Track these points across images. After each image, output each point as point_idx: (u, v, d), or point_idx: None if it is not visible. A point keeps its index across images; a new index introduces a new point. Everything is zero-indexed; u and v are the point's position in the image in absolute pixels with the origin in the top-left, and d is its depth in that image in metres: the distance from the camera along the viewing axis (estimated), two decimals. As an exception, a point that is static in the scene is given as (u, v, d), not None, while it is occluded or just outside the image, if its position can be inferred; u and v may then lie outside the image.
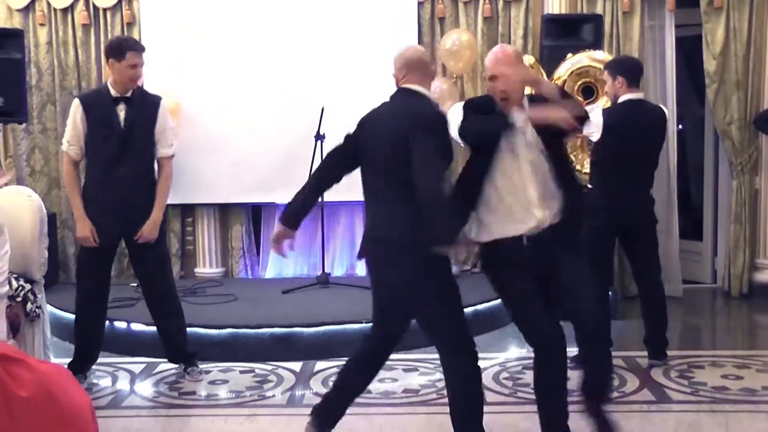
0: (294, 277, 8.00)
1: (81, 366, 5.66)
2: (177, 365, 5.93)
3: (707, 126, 8.02)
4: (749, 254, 7.68)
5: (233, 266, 8.17)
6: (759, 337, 6.92)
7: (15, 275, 5.41)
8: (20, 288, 5.50)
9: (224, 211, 8.10)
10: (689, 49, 7.83)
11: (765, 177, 7.59)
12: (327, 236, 7.72)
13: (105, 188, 5.51)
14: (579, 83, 6.78)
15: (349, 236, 8.11)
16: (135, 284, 7.24)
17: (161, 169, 5.66)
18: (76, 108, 5.54)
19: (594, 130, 5.58)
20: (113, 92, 5.51)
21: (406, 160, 3.92)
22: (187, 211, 7.95)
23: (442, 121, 4.05)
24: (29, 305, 5.55)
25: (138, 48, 5.55)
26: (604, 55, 6.93)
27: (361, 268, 8.01)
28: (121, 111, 5.50)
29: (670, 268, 7.77)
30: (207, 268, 8.10)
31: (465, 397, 4.15)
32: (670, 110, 7.60)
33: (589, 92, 6.83)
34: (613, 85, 5.70)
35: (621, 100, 5.71)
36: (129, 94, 5.52)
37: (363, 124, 4.30)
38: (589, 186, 5.85)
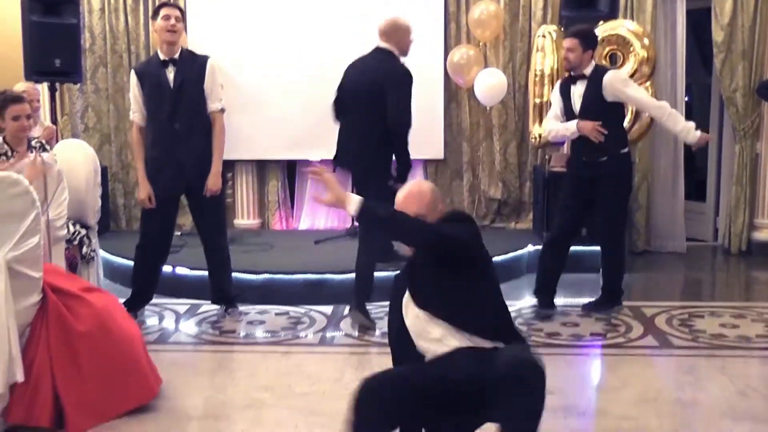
0: (325, 229, 8.08)
1: (135, 305, 5.76)
2: (219, 306, 6.04)
3: (713, 93, 7.98)
4: (749, 214, 7.66)
5: (269, 218, 8.25)
6: (755, 290, 6.92)
7: (72, 221, 5.54)
8: (77, 232, 5.63)
9: (262, 167, 8.17)
10: (698, 22, 7.77)
11: (766, 142, 7.56)
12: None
13: (163, 146, 5.58)
14: (606, 51, 6.79)
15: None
16: (179, 233, 7.36)
17: (213, 123, 5.70)
18: (131, 78, 5.70)
19: None
20: (162, 56, 5.58)
21: (379, 102, 5.36)
22: (228, 166, 7.94)
23: (409, 76, 5.41)
24: (84, 248, 5.68)
25: (167, 3, 5.78)
26: (633, 26, 6.92)
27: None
28: (170, 72, 5.57)
29: (675, 227, 7.81)
30: (245, 219, 8.18)
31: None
32: (679, 78, 7.60)
33: (613, 58, 6.84)
34: (582, 56, 5.59)
35: (592, 68, 5.64)
36: (177, 56, 5.59)
37: (347, 72, 5.74)
38: (622, 151, 5.72)
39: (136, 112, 5.66)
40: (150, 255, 5.78)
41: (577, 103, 5.68)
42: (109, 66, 8.06)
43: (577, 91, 5.68)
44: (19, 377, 4.00)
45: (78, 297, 4.30)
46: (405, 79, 5.42)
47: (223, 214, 6.13)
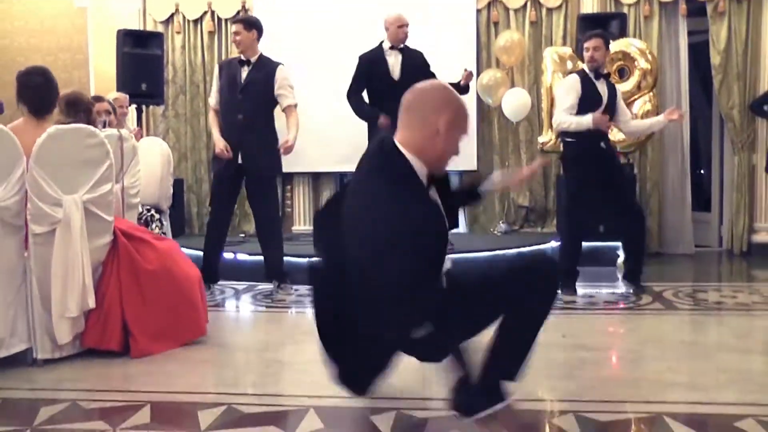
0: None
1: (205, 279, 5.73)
2: (272, 284, 5.95)
3: (714, 112, 7.81)
4: (748, 219, 7.42)
5: (323, 224, 8.18)
6: (754, 279, 6.63)
7: (147, 206, 5.58)
8: (151, 214, 5.66)
9: (316, 179, 8.13)
10: (698, 52, 7.63)
11: (760, 153, 7.36)
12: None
13: (228, 132, 5.68)
14: (615, 65, 6.70)
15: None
16: (242, 235, 7.39)
17: (288, 116, 5.79)
18: (216, 70, 6.02)
19: None
20: (243, 57, 5.75)
21: None
22: (287, 179, 8.02)
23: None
24: (156, 229, 5.69)
25: (235, 21, 6.06)
26: (640, 43, 6.83)
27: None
28: (244, 71, 5.71)
29: (684, 234, 7.59)
30: (302, 225, 8.10)
31: None
32: (684, 101, 7.48)
33: (622, 72, 6.74)
34: (605, 55, 5.50)
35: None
36: (254, 59, 5.73)
37: None
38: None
39: (212, 97, 5.90)
40: (217, 227, 5.85)
41: (604, 98, 5.48)
42: (188, 94, 8.16)
43: (601, 88, 5.49)
44: (91, 304, 3.99)
45: (145, 241, 4.30)
46: None
47: (277, 198, 6.15)
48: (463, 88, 6.17)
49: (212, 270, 5.83)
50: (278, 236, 5.94)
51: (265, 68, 5.77)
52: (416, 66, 6.25)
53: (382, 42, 6.34)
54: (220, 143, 5.65)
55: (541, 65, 7.31)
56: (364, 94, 6.43)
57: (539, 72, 7.55)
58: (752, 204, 7.45)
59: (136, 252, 4.20)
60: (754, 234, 7.46)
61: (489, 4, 7.69)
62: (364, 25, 7.49)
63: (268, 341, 4.48)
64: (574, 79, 5.53)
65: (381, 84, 6.26)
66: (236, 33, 5.72)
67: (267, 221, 5.83)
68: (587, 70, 5.51)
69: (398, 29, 6.23)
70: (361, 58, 6.39)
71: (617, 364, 3.87)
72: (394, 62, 6.27)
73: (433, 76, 6.31)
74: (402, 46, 6.29)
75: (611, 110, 5.54)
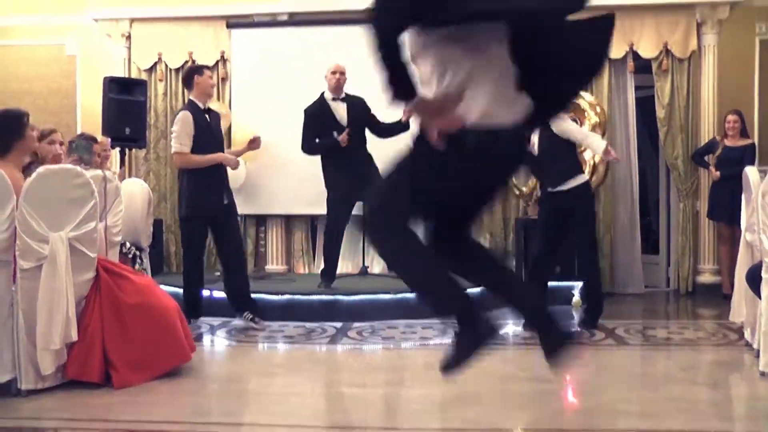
0: (341, 273, 7.89)
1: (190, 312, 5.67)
2: (244, 317, 5.89)
3: (660, 162, 7.99)
4: (693, 261, 7.58)
5: (295, 264, 8.16)
6: (698, 316, 6.73)
7: (128, 242, 5.56)
8: (132, 250, 5.63)
9: (289, 221, 8.13)
10: (645, 105, 7.83)
11: (703, 200, 7.53)
12: (366, 242, 7.69)
13: (210, 175, 5.62)
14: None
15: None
16: (218, 273, 7.35)
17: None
18: (187, 118, 5.59)
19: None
20: (201, 105, 5.72)
21: None
22: (261, 220, 8.03)
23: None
24: (137, 266, 5.67)
25: (209, 68, 6.14)
26: (591, 98, 7.03)
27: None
28: (209, 119, 5.74)
29: (635, 275, 7.70)
30: (275, 265, 8.08)
31: None
32: (632, 151, 7.65)
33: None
34: None
35: None
36: (207, 107, 5.78)
37: None
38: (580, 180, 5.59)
39: (185, 145, 5.56)
40: (200, 266, 5.89)
41: (534, 140, 5.60)
42: (168, 139, 8.15)
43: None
44: (74, 336, 3.97)
45: (125, 276, 4.30)
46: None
47: (241, 238, 6.37)
48: (404, 125, 6.16)
49: (196, 306, 5.83)
50: (243, 263, 6.01)
51: (216, 115, 5.90)
52: (359, 111, 6.39)
53: (323, 93, 6.43)
54: (230, 156, 5.80)
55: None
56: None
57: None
58: (696, 247, 7.61)
59: (116, 287, 4.20)
60: (699, 275, 7.60)
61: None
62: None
63: (240, 373, 4.50)
64: None
65: (331, 131, 6.33)
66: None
67: (239, 253, 5.92)
68: None
69: (332, 76, 6.36)
70: (305, 111, 6.46)
71: (572, 395, 3.92)
72: (340, 110, 6.38)
73: (375, 118, 6.44)
74: (343, 95, 6.38)
75: (549, 148, 5.56)
